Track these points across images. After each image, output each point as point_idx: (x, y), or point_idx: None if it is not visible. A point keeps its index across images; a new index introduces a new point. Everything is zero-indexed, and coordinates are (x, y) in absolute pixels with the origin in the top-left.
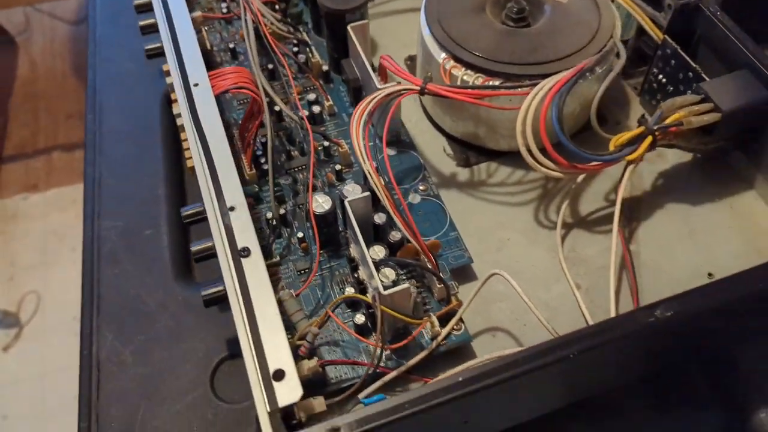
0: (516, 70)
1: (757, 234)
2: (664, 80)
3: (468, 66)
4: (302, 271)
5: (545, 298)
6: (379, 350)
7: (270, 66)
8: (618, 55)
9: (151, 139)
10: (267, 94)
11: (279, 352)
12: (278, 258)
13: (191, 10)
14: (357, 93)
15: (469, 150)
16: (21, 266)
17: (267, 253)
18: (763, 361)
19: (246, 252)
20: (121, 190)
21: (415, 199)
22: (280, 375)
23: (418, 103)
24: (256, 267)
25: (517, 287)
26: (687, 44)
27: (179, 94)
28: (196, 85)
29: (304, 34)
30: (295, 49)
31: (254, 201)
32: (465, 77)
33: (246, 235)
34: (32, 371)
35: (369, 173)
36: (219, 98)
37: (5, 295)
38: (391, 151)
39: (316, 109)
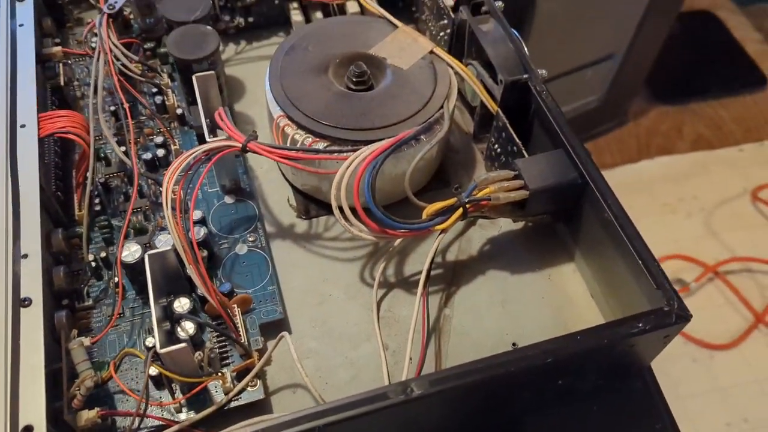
0: (342, 135)
1: (567, 307)
2: (499, 150)
3: (299, 126)
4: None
5: (352, 357)
6: (143, 404)
7: (128, 105)
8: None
9: None
10: (103, 137)
11: (32, 407)
12: (91, 302)
13: (63, 42)
14: (202, 140)
15: (311, 202)
16: None
17: (80, 297)
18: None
19: (27, 302)
20: None
21: (242, 249)
22: (28, 431)
23: (271, 136)
24: (33, 317)
25: (294, 353)
26: (524, 117)
27: (0, 133)
28: (23, 126)
29: (164, 76)
30: (155, 90)
31: (80, 241)
32: (296, 136)
33: (33, 285)
34: None
35: (171, 229)
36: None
37: None
38: (230, 200)
39: (160, 152)
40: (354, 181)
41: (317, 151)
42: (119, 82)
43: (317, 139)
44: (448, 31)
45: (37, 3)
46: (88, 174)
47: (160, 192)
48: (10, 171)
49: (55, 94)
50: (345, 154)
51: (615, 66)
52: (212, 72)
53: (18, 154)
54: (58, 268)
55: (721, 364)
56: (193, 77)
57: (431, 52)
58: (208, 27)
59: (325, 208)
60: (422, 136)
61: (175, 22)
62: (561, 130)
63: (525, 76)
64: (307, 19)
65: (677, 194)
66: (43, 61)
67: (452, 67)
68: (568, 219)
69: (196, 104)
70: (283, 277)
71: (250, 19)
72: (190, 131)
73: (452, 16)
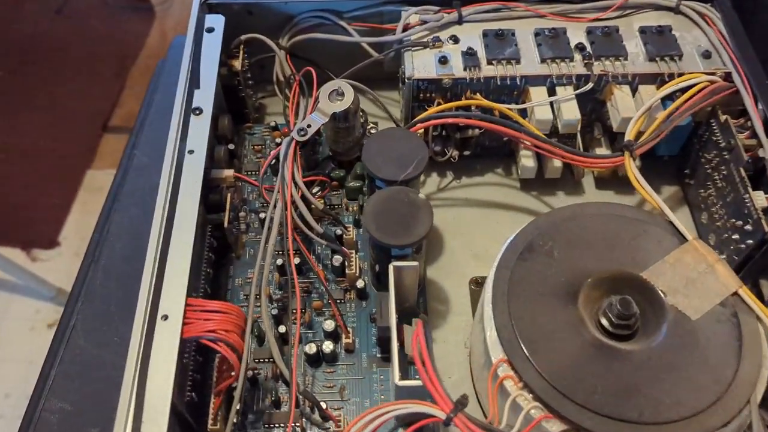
0: (590, 423)
1: None
2: None
3: (527, 386)
4: None
5: None
6: None
7: (297, 260)
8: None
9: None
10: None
11: None
12: None
13: (238, 143)
14: (384, 343)
15: None
16: None
17: None
18: None
19: None
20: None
21: None
22: None
23: (465, 354)
24: None
25: None
26: None
27: (136, 328)
28: (165, 317)
29: (350, 230)
30: (337, 233)
31: None
32: (520, 400)
33: None
34: None
35: None
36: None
37: (67, 269)
38: None
39: (328, 346)
40: None
41: None
42: (293, 236)
43: (550, 416)
44: (749, 241)
45: (217, 98)
46: (235, 394)
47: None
48: (138, 379)
49: (216, 231)
50: None
51: None
52: (416, 265)
53: (152, 353)
54: None
55: None
56: (391, 266)
57: (735, 293)
58: (422, 197)
59: None
60: None
61: (382, 179)
62: None
63: None
64: (540, 166)
65: None
66: (209, 187)
67: (763, 322)
68: None
69: (387, 293)
70: None
71: (466, 153)
72: (369, 308)
73: (764, 226)
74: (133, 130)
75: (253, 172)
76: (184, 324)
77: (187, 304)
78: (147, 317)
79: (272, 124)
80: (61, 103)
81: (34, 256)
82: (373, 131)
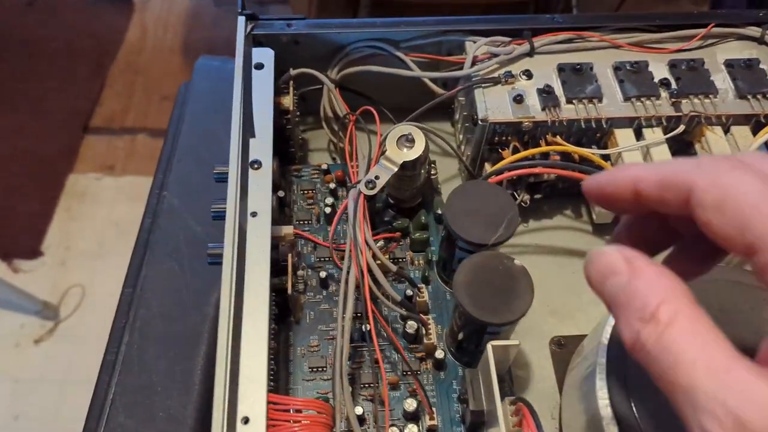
0: None
1: None
2: None
3: None
4: None
5: None
6: None
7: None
8: None
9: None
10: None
11: None
12: None
13: (286, 186)
14: (475, 427)
15: None
16: (75, 252)
17: None
18: None
19: None
20: None
21: None
22: None
23: (553, 427)
24: None
25: None
26: None
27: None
28: (245, 420)
29: (424, 293)
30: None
31: None
32: None
33: None
34: (55, 373)
35: None
36: None
37: (52, 281)
38: None
39: (411, 430)
40: None
41: None
42: (367, 314)
43: None
44: None
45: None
46: None
47: None
48: None
49: (277, 297)
50: None
51: None
52: (517, 343)
53: None
54: None
55: None
56: (489, 346)
57: None
58: (518, 263)
59: None
60: None
61: (470, 243)
62: None
63: None
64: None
65: None
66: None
67: None
68: None
69: (477, 371)
70: None
71: (537, 196)
72: (448, 380)
73: None
74: (159, 167)
75: (306, 222)
76: (267, 427)
77: (268, 402)
78: (226, 421)
79: (323, 167)
80: (38, 102)
81: (15, 267)
82: (432, 172)
